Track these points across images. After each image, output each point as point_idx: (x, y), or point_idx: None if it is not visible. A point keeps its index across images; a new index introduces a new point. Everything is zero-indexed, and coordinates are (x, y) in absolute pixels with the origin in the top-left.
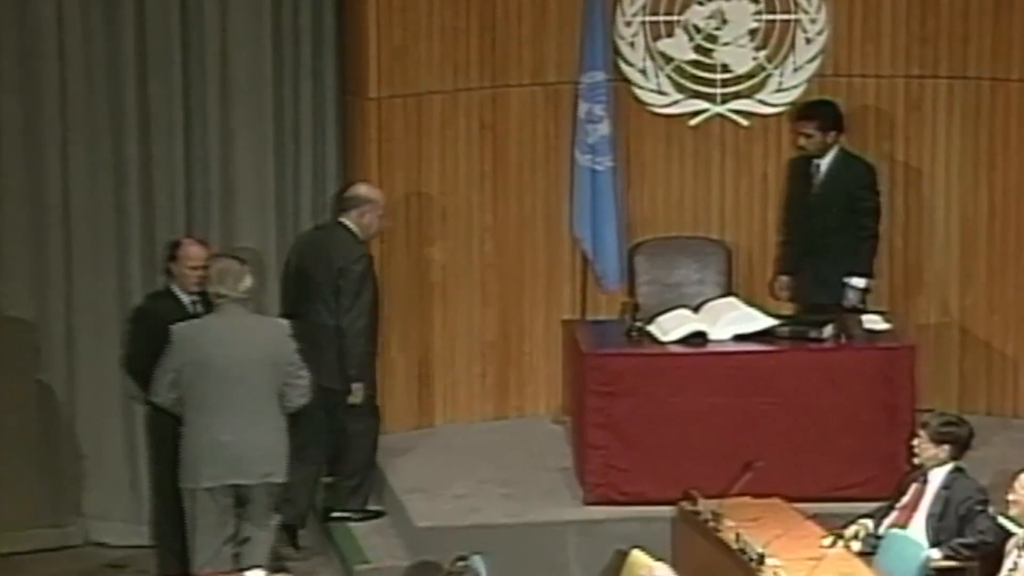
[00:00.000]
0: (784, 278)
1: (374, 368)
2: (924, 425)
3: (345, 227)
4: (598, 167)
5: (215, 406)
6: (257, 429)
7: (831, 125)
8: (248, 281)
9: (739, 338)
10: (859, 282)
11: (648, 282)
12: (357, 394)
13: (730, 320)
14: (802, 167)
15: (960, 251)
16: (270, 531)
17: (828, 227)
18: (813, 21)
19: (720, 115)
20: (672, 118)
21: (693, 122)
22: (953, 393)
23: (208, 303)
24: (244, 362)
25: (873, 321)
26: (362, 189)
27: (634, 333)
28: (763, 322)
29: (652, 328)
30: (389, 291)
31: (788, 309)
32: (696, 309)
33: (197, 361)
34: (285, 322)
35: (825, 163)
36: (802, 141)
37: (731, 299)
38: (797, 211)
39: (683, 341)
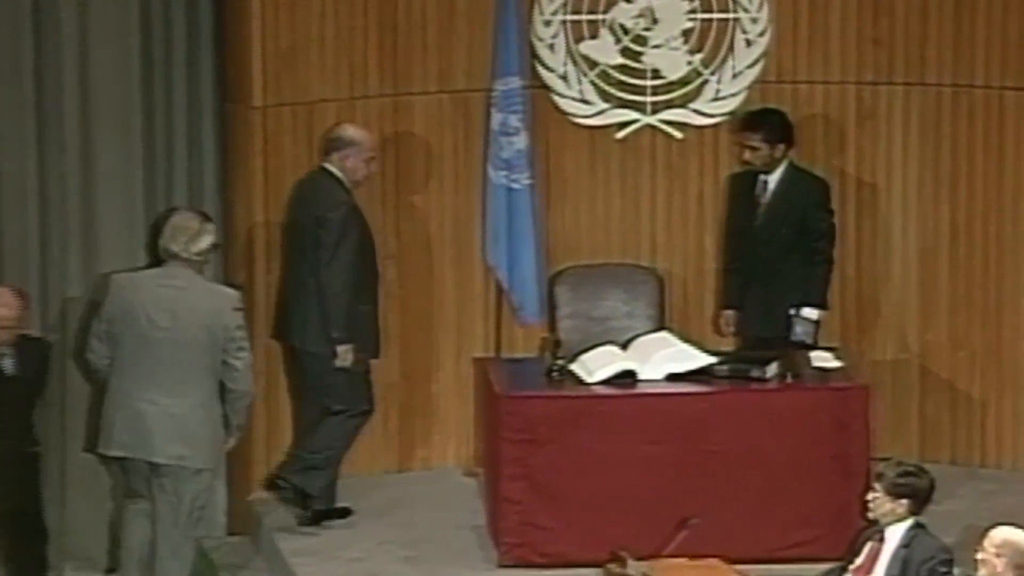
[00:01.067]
0: (729, 312)
1: (369, 332)
2: (880, 476)
3: (328, 172)
4: (514, 185)
5: (136, 368)
6: (178, 403)
7: (779, 137)
8: (204, 243)
9: (673, 378)
10: (812, 313)
11: (571, 315)
12: (345, 356)
13: (663, 358)
14: (746, 184)
15: (920, 279)
16: (180, 536)
17: (777, 252)
18: (754, 21)
19: (651, 126)
20: (597, 130)
21: (621, 134)
22: (913, 440)
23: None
24: (176, 327)
25: (823, 358)
26: (347, 130)
27: (555, 373)
28: (700, 360)
29: (575, 367)
30: None
31: (729, 344)
32: (625, 346)
33: (125, 314)
34: (234, 293)
35: (773, 180)
36: (747, 155)
37: (664, 334)
38: (741, 234)
39: (610, 382)
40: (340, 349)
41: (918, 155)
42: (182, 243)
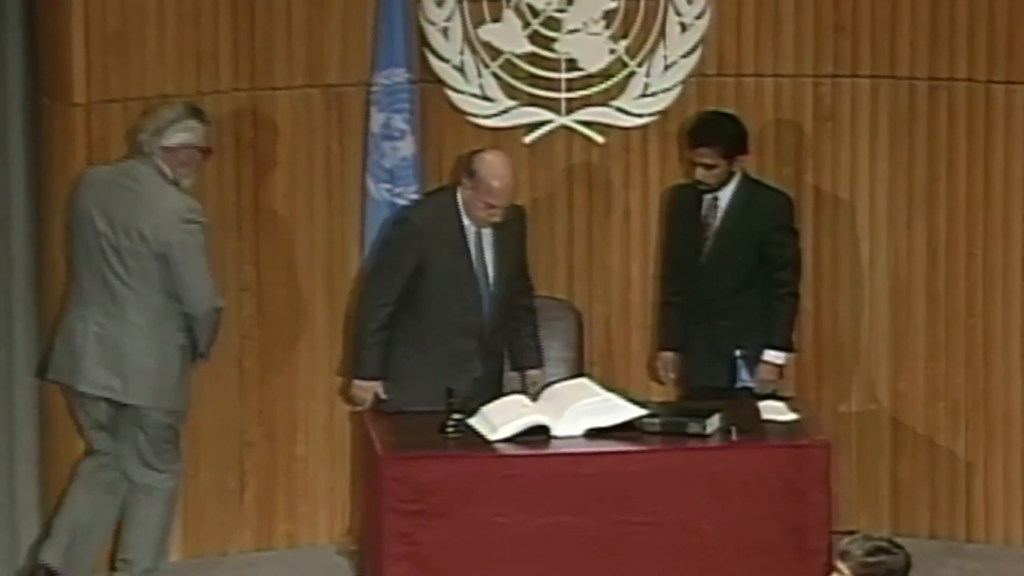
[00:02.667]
0: (667, 355)
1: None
2: (844, 555)
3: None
4: (399, 200)
5: (78, 280)
6: (114, 325)
7: (738, 148)
8: (174, 138)
9: (594, 434)
10: (777, 357)
11: None
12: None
13: (581, 410)
14: (689, 201)
15: (891, 315)
16: (148, 494)
17: (729, 284)
18: (690, 1)
19: (566, 128)
20: (501, 133)
21: (529, 138)
22: (884, 508)
23: None
24: (114, 234)
25: (775, 410)
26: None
27: (451, 429)
28: (626, 412)
29: (475, 422)
30: None
31: (667, 395)
32: (535, 396)
33: (77, 216)
34: (184, 203)
35: (724, 197)
36: (700, 174)
37: (583, 381)
38: (684, 263)
39: (518, 439)
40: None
41: (888, 163)
42: (149, 132)
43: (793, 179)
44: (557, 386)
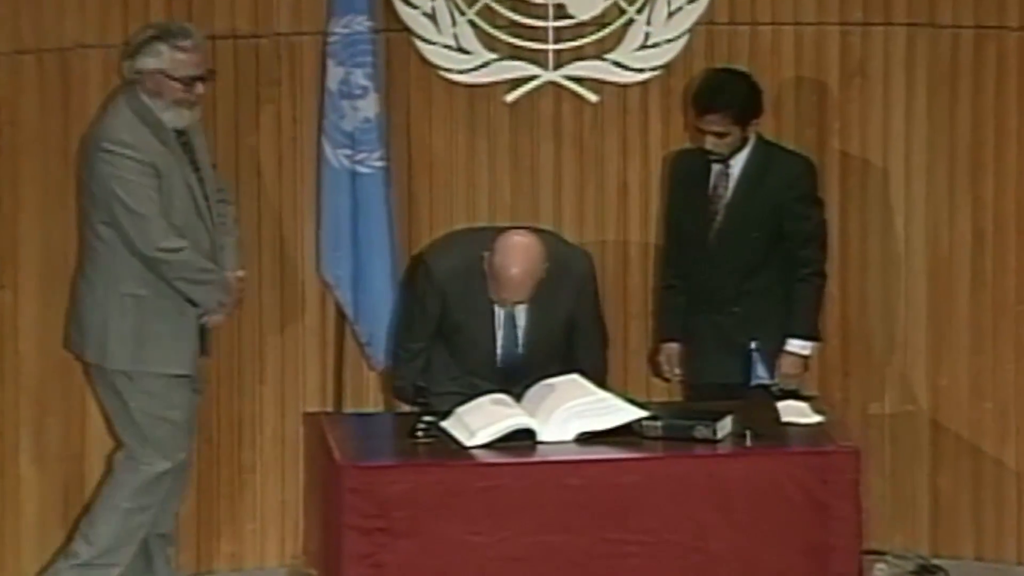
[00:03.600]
0: (672, 346)
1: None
2: None
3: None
4: (361, 168)
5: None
6: (80, 278)
7: (751, 111)
8: (139, 63)
9: (586, 440)
10: (800, 347)
11: None
12: None
13: (572, 411)
14: (696, 168)
15: (930, 300)
16: (111, 472)
17: (743, 264)
18: None
19: (554, 85)
20: (479, 90)
21: (511, 97)
22: (922, 525)
23: None
24: (79, 169)
25: (796, 411)
26: None
27: (420, 433)
28: (623, 414)
29: (450, 425)
30: (13, 375)
31: (667, 394)
32: (519, 395)
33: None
34: (115, 131)
35: (739, 164)
36: (710, 143)
37: (574, 377)
38: (691, 239)
39: (498, 445)
40: None
41: (926, 124)
42: (127, 55)
43: (816, 143)
44: (544, 383)
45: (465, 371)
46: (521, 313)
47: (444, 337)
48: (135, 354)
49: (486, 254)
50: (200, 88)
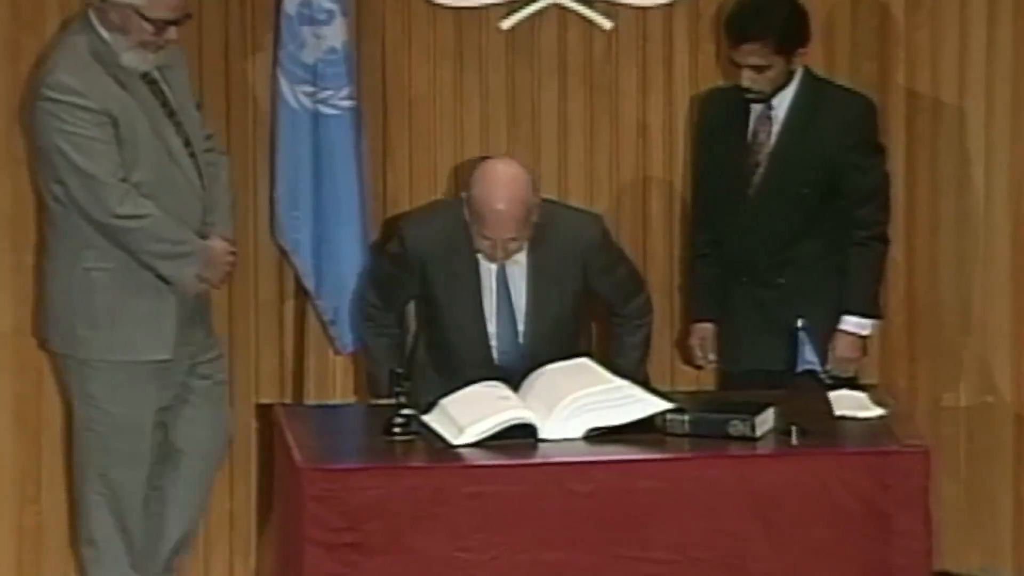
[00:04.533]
0: (705, 327)
1: None
2: None
3: None
4: (325, 109)
5: None
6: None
7: (796, 39)
8: None
9: (597, 437)
10: (859, 326)
11: None
12: None
13: (580, 403)
14: (733, 111)
15: (1013, 270)
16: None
17: (791, 226)
18: None
19: (559, 9)
20: (468, 15)
21: (508, 22)
22: (1003, 541)
23: None
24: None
25: (852, 403)
26: None
27: (398, 429)
28: (642, 407)
29: (433, 419)
30: None
31: (696, 382)
32: (517, 384)
33: None
34: (57, 73)
35: (783, 104)
36: (748, 78)
37: (583, 362)
38: (726, 197)
39: (492, 443)
40: None
41: (1012, 54)
42: None
43: (877, 78)
44: (548, 369)
45: (452, 368)
46: (518, 275)
47: (425, 324)
48: (107, 343)
49: (464, 193)
50: (172, 33)
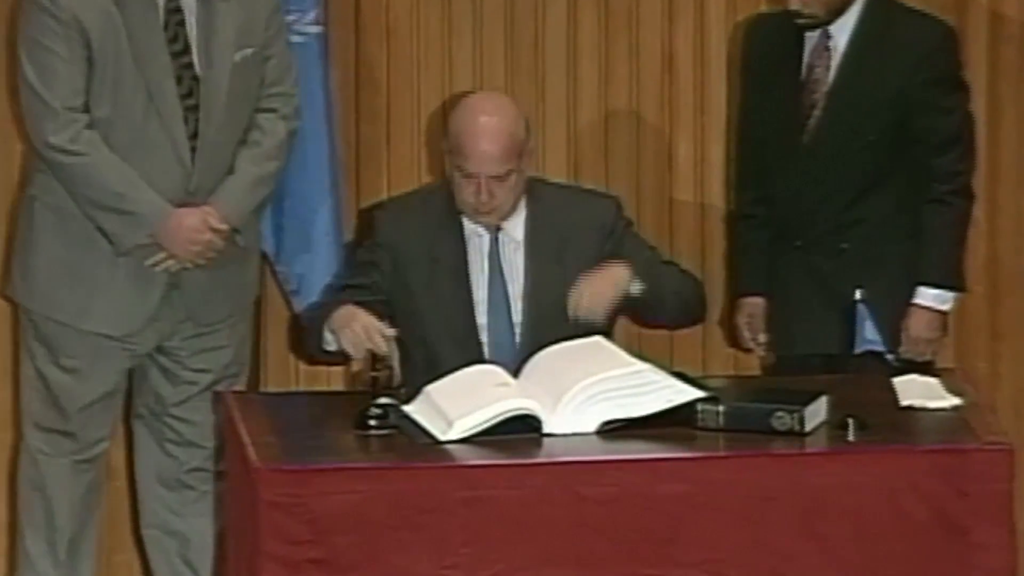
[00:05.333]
0: (753, 302)
1: None
2: None
3: None
4: (289, 36)
5: None
6: None
7: None
8: None
9: (613, 432)
10: (938, 299)
11: None
12: None
13: (593, 391)
14: (784, 42)
15: None
16: None
17: (854, 179)
18: None
19: None
20: None
21: None
22: None
23: None
24: None
25: (921, 391)
26: None
27: (374, 421)
28: (669, 395)
29: (417, 410)
30: None
31: (732, 366)
32: (518, 369)
33: None
34: None
35: (844, 32)
36: (796, 1)
37: (597, 341)
38: (777, 147)
39: (487, 439)
40: None
41: None
42: None
43: (952, 3)
44: (554, 350)
45: (434, 370)
46: (515, 257)
47: (402, 332)
48: (51, 295)
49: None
50: None
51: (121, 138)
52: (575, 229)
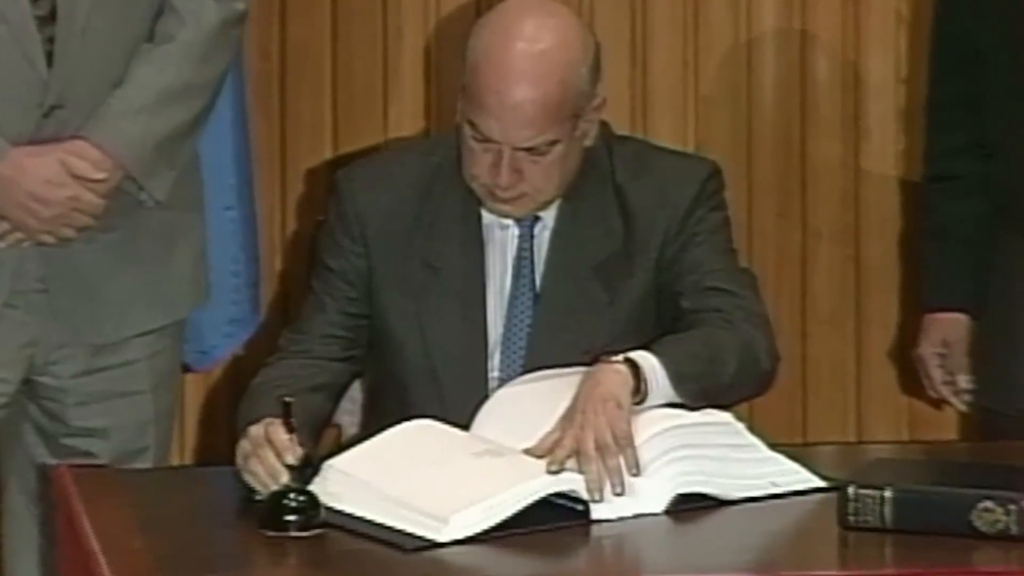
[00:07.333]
0: (953, 319)
1: None
2: None
3: None
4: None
5: None
6: None
7: None
8: None
9: (685, 508)
10: None
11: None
12: None
13: (658, 451)
14: None
15: None
16: None
17: None
18: None
19: None
20: None
21: None
22: None
23: None
24: None
25: None
26: None
27: (292, 517)
28: (779, 472)
29: (345, 495)
30: None
31: (922, 425)
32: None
33: None
34: None
35: None
36: None
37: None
38: (1002, 66)
39: (498, 535)
40: None
41: None
42: None
43: None
44: (548, 379)
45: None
46: (547, 242)
47: (374, 365)
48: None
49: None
50: None
51: None
52: (638, 218)
